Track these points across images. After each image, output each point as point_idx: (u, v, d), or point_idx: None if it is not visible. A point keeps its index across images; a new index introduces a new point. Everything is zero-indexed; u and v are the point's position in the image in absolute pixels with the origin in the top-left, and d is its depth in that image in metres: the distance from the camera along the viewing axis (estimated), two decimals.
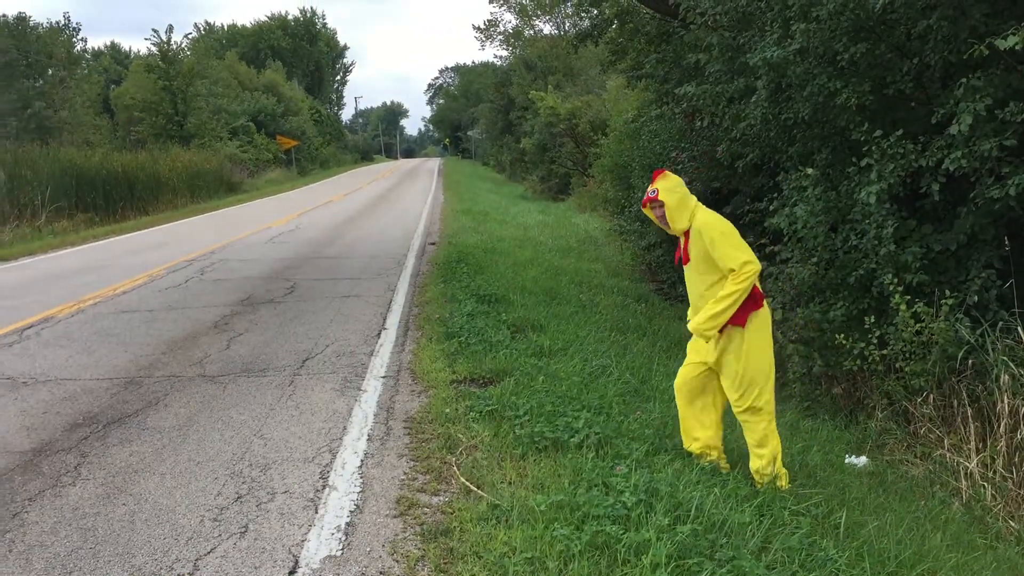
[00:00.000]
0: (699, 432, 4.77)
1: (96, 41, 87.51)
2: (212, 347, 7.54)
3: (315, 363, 6.91)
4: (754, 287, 4.53)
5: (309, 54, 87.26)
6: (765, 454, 4.55)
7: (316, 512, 4.02)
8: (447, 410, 5.43)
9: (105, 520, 3.98)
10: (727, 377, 4.63)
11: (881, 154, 6.27)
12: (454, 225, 18.50)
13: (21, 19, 37.94)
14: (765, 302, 4.65)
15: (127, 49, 64.77)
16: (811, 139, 7.48)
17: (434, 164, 75.95)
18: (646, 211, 4.80)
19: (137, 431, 5.29)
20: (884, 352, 6.19)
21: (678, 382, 4.86)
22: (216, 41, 72.02)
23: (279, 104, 56.03)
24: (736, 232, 4.57)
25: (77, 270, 13.27)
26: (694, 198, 4.70)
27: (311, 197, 31.69)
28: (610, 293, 10.58)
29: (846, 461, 5.60)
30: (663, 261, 11.60)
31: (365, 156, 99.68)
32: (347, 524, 3.90)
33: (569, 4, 39.12)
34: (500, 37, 54.65)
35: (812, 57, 6.91)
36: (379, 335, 7.91)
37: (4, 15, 37.90)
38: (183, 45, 41.03)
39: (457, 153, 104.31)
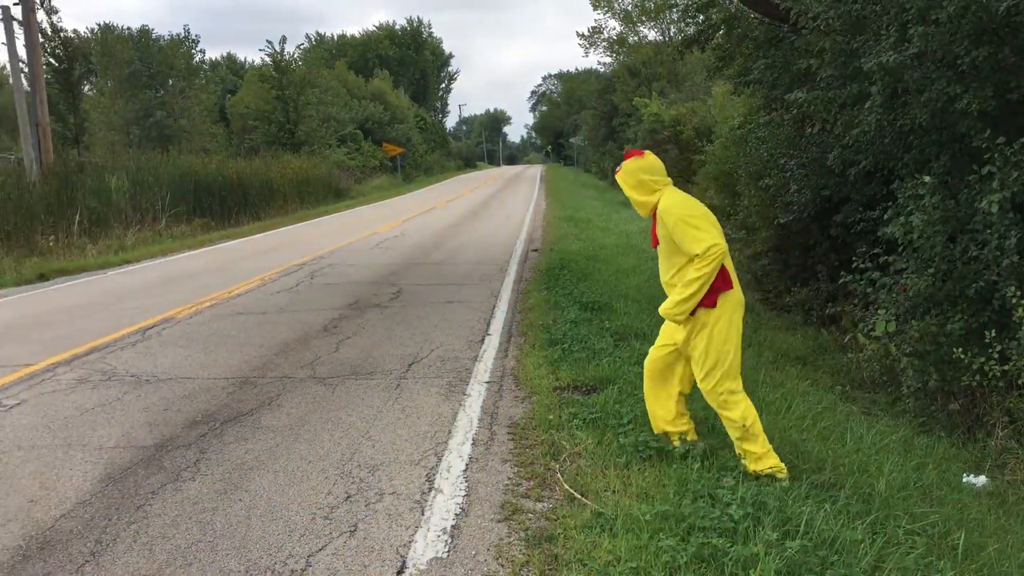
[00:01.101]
0: (659, 411, 4.89)
1: (213, 52, 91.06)
2: (322, 349, 7.75)
3: (421, 367, 7.02)
4: (723, 268, 4.51)
5: (415, 63, 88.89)
6: (746, 437, 4.48)
7: (422, 514, 4.10)
8: (550, 417, 5.45)
9: (223, 515, 4.14)
10: (695, 357, 4.64)
11: (1004, 161, 6.01)
12: (556, 232, 18.54)
13: (145, 32, 39.80)
14: (736, 283, 4.62)
15: (242, 60, 67.17)
16: (928, 146, 7.22)
17: (536, 171, 76.20)
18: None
19: (252, 429, 5.48)
20: (1005, 368, 5.92)
21: (646, 362, 4.93)
22: (326, 51, 73.91)
23: (386, 112, 57.18)
24: (700, 214, 4.54)
25: (194, 273, 13.81)
26: (664, 181, 4.73)
27: (416, 203, 32.22)
28: None
29: (964, 480, 5.38)
30: (769, 270, 11.37)
31: (468, 163, 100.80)
32: (452, 527, 3.96)
33: (675, 10, 38.77)
34: (604, 44, 54.50)
35: (930, 61, 6.67)
36: (483, 340, 7.99)
37: (129, 28, 39.80)
38: (295, 55, 42.21)
39: (559, 160, 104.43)
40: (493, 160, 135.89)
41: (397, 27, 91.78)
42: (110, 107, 37.75)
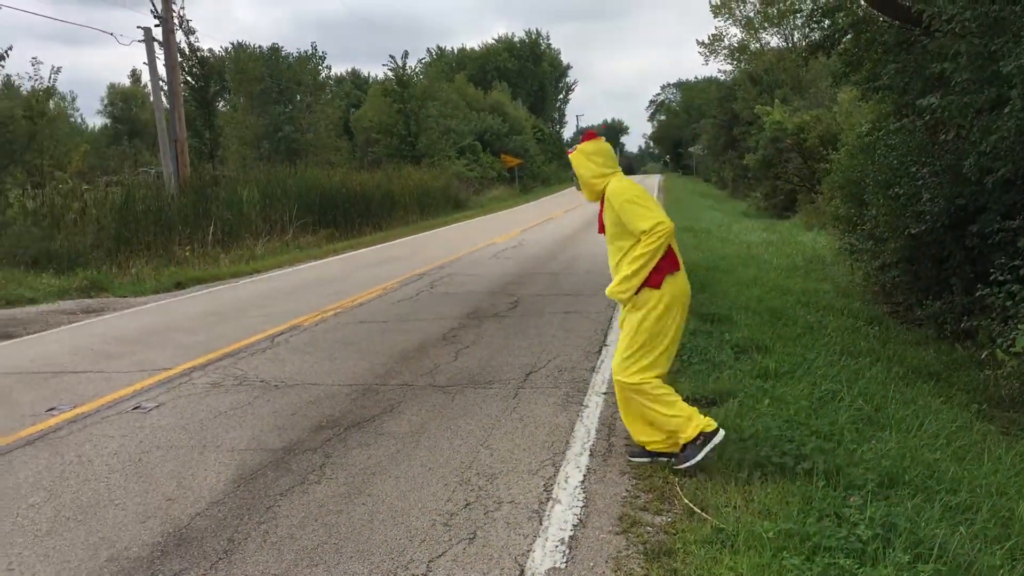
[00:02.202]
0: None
1: (339, 68, 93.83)
2: (441, 358, 7.88)
3: (538, 377, 7.05)
4: (671, 251, 4.63)
5: (533, 74, 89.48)
6: (655, 409, 4.64)
7: (540, 524, 4.11)
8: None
9: (347, 518, 4.25)
10: (622, 334, 4.76)
11: None
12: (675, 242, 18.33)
13: (275, 50, 41.35)
14: (678, 276, 4.70)
15: (366, 75, 68.95)
16: None
17: (654, 181, 75.54)
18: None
19: (374, 435, 5.61)
20: None
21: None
22: (447, 65, 75.33)
23: (504, 123, 57.75)
24: (647, 197, 4.69)
25: (319, 282, 14.26)
26: (614, 169, 4.86)
27: (533, 214, 32.41)
28: (840, 315, 10.11)
29: None
30: (899, 282, 10.95)
31: None
32: (570, 538, 3.95)
33: (799, 16, 37.85)
34: (724, 51, 53.75)
35: None
36: (600, 351, 7.96)
37: (260, 47, 41.44)
38: (416, 70, 43.12)
39: (677, 169, 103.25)
40: None
41: (516, 39, 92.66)
42: (242, 122, 39.38)
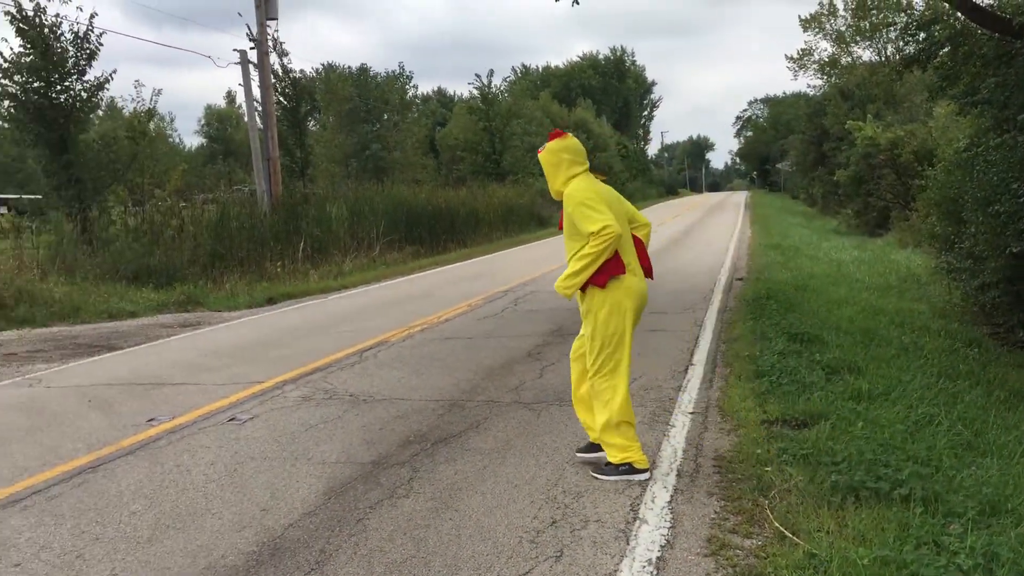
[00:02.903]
0: (578, 392, 5.23)
1: (425, 87, 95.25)
2: (527, 375, 7.91)
3: None
4: (618, 257, 4.82)
5: (618, 91, 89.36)
6: (606, 424, 4.91)
7: (627, 543, 4.09)
8: (758, 451, 5.30)
9: (435, 532, 4.30)
10: (586, 337, 4.98)
11: None
12: (762, 260, 18.04)
13: (363, 70, 42.24)
14: (630, 272, 4.88)
15: (451, 93, 69.86)
16: None
17: (740, 198, 74.53)
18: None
19: (461, 451, 5.67)
20: None
21: (572, 351, 5.30)
22: (531, 82, 75.79)
23: (588, 140, 57.73)
24: (599, 199, 4.82)
25: (405, 298, 14.47)
26: (581, 171, 5.01)
27: None
28: (936, 336, 9.79)
29: None
30: (999, 303, 10.54)
31: (670, 190, 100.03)
32: (658, 558, 3.92)
33: (893, 29, 36.98)
34: (814, 66, 52.79)
35: None
36: (686, 370, 7.89)
37: (349, 67, 42.38)
38: (501, 88, 43.51)
39: (764, 186, 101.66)
40: (695, 187, 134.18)
41: (600, 57, 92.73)
42: (331, 141, 40.29)
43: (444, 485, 5.01)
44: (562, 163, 5.01)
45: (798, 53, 54.40)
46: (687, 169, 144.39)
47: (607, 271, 4.80)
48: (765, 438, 5.56)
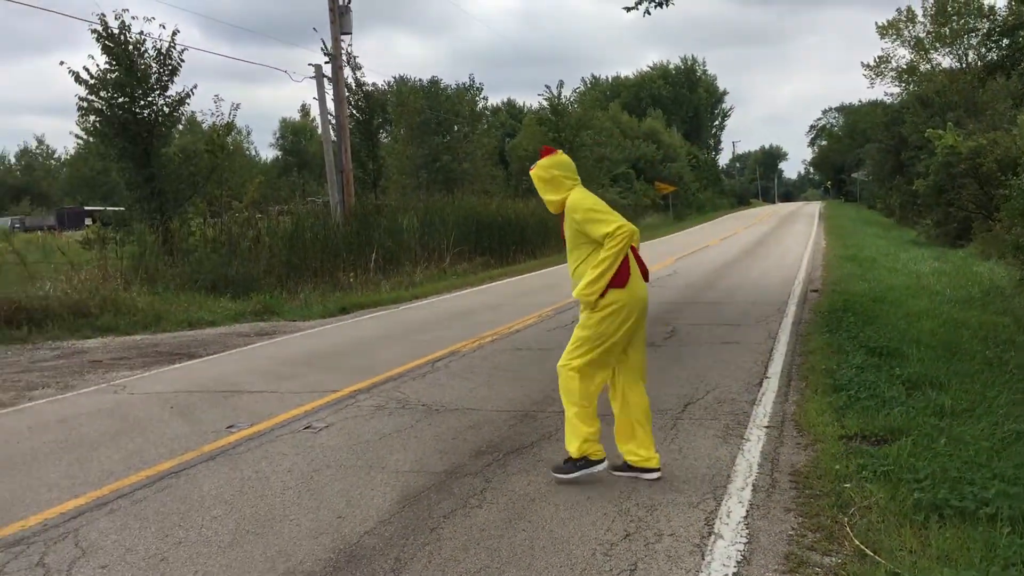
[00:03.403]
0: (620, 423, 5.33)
1: (495, 99, 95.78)
2: None
3: (696, 408, 6.96)
4: (628, 265, 4.95)
5: (688, 100, 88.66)
6: (570, 417, 5.20)
7: (703, 558, 4.04)
8: (837, 467, 5.19)
9: (508, 543, 4.31)
10: (577, 326, 5.18)
11: None
12: (838, 272, 17.70)
13: (434, 83, 42.64)
14: (635, 285, 5.03)
15: (521, 104, 70.06)
16: None
17: (814, 208, 73.23)
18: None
19: (533, 462, 5.68)
20: None
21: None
22: (601, 93, 75.62)
23: (658, 151, 57.51)
24: (605, 207, 5.00)
25: (475, 308, 14.55)
26: (574, 180, 5.18)
27: (688, 242, 32.01)
28: (1022, 350, 9.49)
29: None
30: None
31: (742, 200, 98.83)
32: (734, 575, 3.87)
33: (974, 35, 36.02)
34: (892, 73, 51.71)
35: None
36: (760, 384, 7.78)
37: (420, 80, 42.85)
38: (571, 99, 43.51)
39: (839, 196, 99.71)
40: (768, 197, 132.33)
41: (671, 66, 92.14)
42: (402, 153, 40.73)
43: (517, 496, 5.02)
44: (554, 179, 5.18)
45: (875, 60, 53.44)
46: (759, 179, 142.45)
47: (625, 275, 4.98)
48: (844, 454, 5.45)
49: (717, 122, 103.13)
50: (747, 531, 4.36)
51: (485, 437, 6.33)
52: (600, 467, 5.21)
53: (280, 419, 7.19)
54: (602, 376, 5.22)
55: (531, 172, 5.32)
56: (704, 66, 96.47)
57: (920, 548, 3.98)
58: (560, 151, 5.38)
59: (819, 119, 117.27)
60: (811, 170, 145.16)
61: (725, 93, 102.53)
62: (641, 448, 5.25)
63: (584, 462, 5.18)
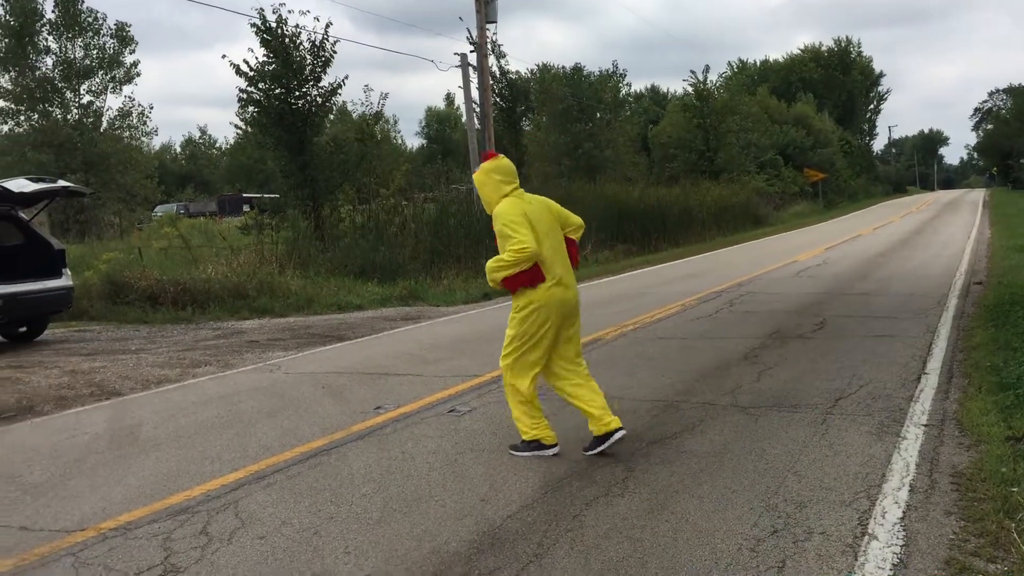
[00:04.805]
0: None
1: (638, 85, 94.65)
2: (743, 378, 7.70)
3: (848, 403, 6.69)
4: (537, 268, 5.36)
5: (842, 84, 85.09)
6: (516, 416, 5.64)
7: (855, 559, 3.88)
8: (1003, 469, 4.89)
9: (651, 533, 4.27)
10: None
11: None
12: (1004, 263, 16.64)
13: (577, 69, 42.48)
14: (542, 288, 5.40)
15: (664, 90, 69.11)
16: None
17: (977, 195, 69.24)
18: None
19: (676, 453, 5.60)
20: None
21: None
22: (748, 77, 73.60)
23: (808, 136, 55.58)
24: (522, 223, 5.32)
25: (617, 297, 14.47)
26: (511, 189, 5.50)
27: (838, 230, 30.86)
28: None
29: None
30: None
31: (897, 187, 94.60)
32: None
33: None
34: None
35: None
36: (918, 380, 7.40)
37: (563, 67, 42.79)
38: (716, 84, 42.58)
39: (1007, 183, 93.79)
40: (926, 184, 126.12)
41: (823, 48, 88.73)
42: (545, 140, 40.84)
43: (660, 486, 4.96)
44: (493, 183, 5.49)
45: None
46: (916, 165, 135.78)
47: (524, 280, 5.36)
48: (1011, 456, 5.13)
49: (872, 106, 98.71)
50: (904, 533, 4.16)
51: (626, 426, 6.25)
52: (551, 451, 5.60)
53: (425, 402, 7.35)
54: (533, 372, 5.55)
55: (474, 176, 5.66)
56: (859, 47, 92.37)
57: None
58: (502, 156, 5.65)
59: (985, 101, 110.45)
60: (975, 156, 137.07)
61: (881, 75, 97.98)
62: (601, 403, 5.65)
63: (536, 444, 5.60)
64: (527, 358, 5.51)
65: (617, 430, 5.53)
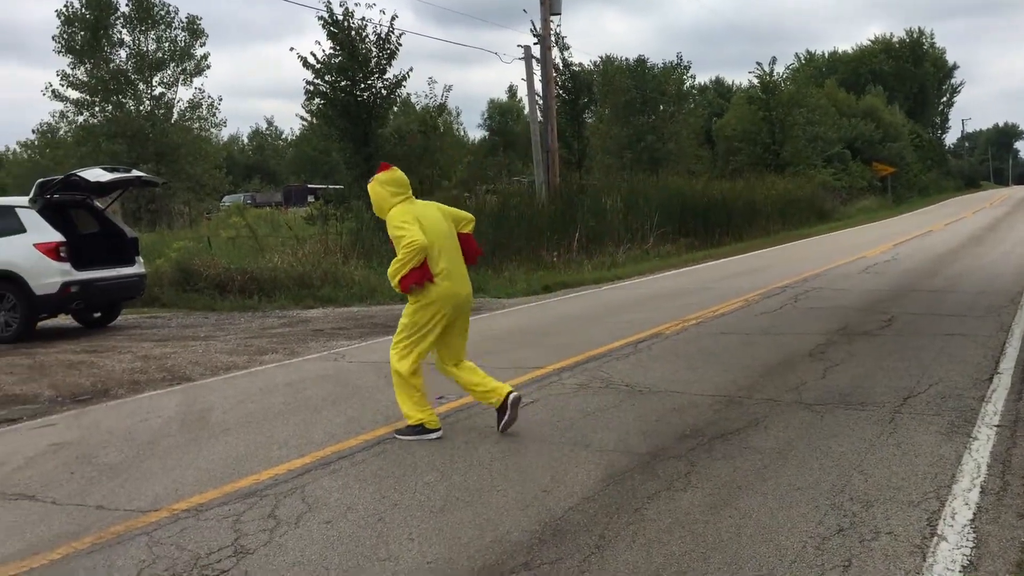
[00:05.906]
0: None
1: (702, 77, 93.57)
2: (808, 374, 7.60)
3: (917, 402, 6.56)
4: (425, 266, 5.74)
5: (913, 76, 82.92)
6: (401, 402, 6.07)
7: (924, 560, 3.82)
8: None
9: (713, 528, 4.25)
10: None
11: None
12: None
13: (640, 62, 42.23)
14: (441, 279, 5.83)
15: (729, 83, 68.15)
16: None
17: None
18: None
19: (739, 448, 5.55)
20: None
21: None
22: (816, 69, 72.24)
23: (877, 130, 54.36)
24: (411, 222, 5.73)
25: (679, 291, 14.38)
26: (405, 195, 5.93)
27: (907, 226, 30.21)
28: None
29: None
30: None
31: (970, 182, 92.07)
32: None
33: None
34: None
35: None
36: (991, 379, 7.23)
37: (627, 59, 42.54)
38: (783, 76, 41.91)
39: None
40: (1000, 179, 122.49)
41: (895, 39, 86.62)
42: (607, 132, 40.68)
43: (722, 482, 4.93)
44: (386, 193, 5.89)
45: None
46: (991, 160, 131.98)
47: (414, 278, 5.73)
48: None
49: (945, 99, 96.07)
50: (974, 535, 4.08)
51: (689, 421, 6.25)
52: (434, 435, 5.99)
53: None
54: (418, 359, 5.96)
55: (368, 186, 6.04)
56: (931, 38, 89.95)
57: None
58: (395, 168, 6.05)
59: None
60: None
61: (955, 67, 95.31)
62: (484, 382, 6.12)
63: (420, 428, 5.98)
64: (416, 348, 5.94)
65: (509, 394, 5.98)
